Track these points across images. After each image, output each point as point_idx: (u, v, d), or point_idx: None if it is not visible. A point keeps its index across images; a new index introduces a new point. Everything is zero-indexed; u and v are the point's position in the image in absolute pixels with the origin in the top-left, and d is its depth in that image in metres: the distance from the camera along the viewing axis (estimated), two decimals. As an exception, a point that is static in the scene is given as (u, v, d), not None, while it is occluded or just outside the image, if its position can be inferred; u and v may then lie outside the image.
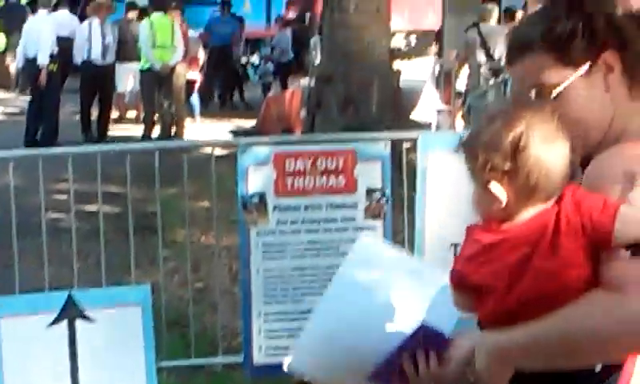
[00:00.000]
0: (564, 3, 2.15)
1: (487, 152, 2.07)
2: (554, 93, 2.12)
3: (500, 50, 13.06)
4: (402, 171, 5.53)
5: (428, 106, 14.40)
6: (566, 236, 2.02)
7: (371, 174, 5.04)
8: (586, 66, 2.12)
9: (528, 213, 2.09)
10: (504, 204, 2.08)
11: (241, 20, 21.47)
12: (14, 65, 21.62)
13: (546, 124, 2.07)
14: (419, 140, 5.08)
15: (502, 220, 2.11)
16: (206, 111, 18.50)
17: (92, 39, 14.68)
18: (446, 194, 5.02)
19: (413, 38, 36.53)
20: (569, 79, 2.12)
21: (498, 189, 2.08)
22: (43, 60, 13.72)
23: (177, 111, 14.56)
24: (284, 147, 5.17)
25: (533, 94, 2.16)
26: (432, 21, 33.81)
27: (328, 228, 5.07)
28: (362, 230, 4.98)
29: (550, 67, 2.14)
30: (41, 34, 13.83)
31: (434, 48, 33.72)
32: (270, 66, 20.96)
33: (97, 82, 14.85)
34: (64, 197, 9.09)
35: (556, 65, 2.14)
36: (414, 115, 14.72)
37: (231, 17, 21.04)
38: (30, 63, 14.01)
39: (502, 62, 12.88)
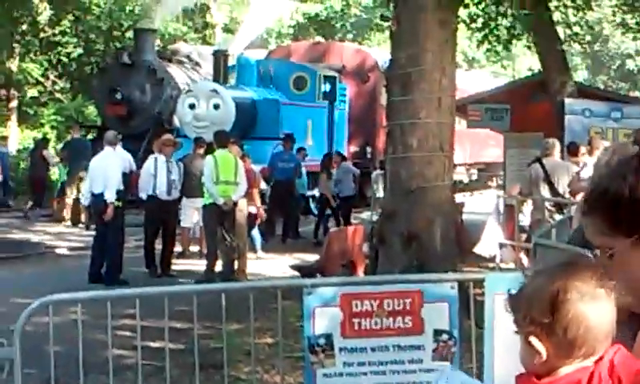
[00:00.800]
0: (634, 164, 2.11)
1: (528, 305, 2.12)
2: (609, 253, 2.11)
3: (564, 185, 13.04)
4: (469, 310, 5.46)
5: (491, 240, 14.32)
6: None
7: (438, 315, 4.99)
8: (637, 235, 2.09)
9: (568, 369, 2.09)
10: (544, 358, 2.09)
11: (302, 154, 21.71)
12: (70, 199, 22.15)
13: (589, 281, 2.08)
14: (486, 281, 5.03)
15: (543, 374, 2.12)
16: (268, 245, 18.61)
17: (158, 175, 14.93)
18: (514, 335, 4.93)
19: (474, 171, 36.76)
20: (622, 243, 2.10)
21: (537, 343, 2.10)
22: (110, 196, 13.95)
23: (239, 246, 14.64)
24: (350, 288, 5.14)
25: (596, 250, 2.15)
26: (493, 154, 34.03)
27: (395, 370, 5.01)
28: (429, 372, 4.90)
29: (606, 227, 2.12)
30: (107, 170, 14.09)
31: (495, 181, 33.86)
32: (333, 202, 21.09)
33: (161, 217, 15.05)
34: (127, 333, 9.16)
35: (612, 227, 2.11)
36: (478, 249, 14.66)
37: (293, 151, 21.32)
38: (96, 199, 14.24)
39: (567, 197, 12.86)
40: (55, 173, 26.35)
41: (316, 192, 25.27)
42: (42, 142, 27.22)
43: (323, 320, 4.97)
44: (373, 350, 4.99)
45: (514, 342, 4.91)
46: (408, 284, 5.21)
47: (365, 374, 5.00)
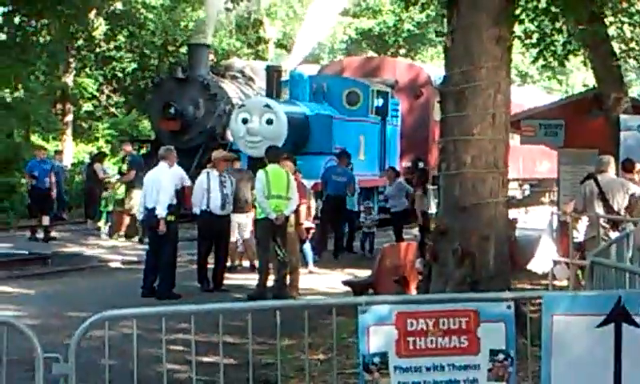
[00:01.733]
0: None
1: None
2: None
3: (618, 202, 12.88)
4: (526, 330, 5.40)
5: (545, 257, 14.17)
6: None
7: (495, 335, 4.94)
8: None
9: None
10: None
11: (352, 169, 21.69)
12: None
13: None
14: (543, 300, 4.97)
15: None
16: (320, 260, 18.61)
17: (211, 190, 15.00)
18: (572, 355, 4.89)
19: (526, 187, 36.51)
20: None
21: None
22: (162, 211, 14.04)
23: (291, 261, 14.65)
24: (406, 306, 5.11)
25: None
26: (545, 169, 33.79)
27: (450, 390, 4.97)
28: (485, 393, 4.86)
29: None
30: (160, 185, 14.19)
31: (547, 197, 33.61)
32: (373, 215, 21.03)
33: (214, 232, 15.11)
34: (179, 347, 9.20)
35: None
36: (531, 266, 14.52)
37: (347, 170, 21.31)
38: (149, 213, 14.35)
39: (622, 214, 12.70)
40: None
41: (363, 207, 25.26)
42: (97, 157, 27.49)
43: (378, 338, 4.94)
44: (428, 369, 4.95)
45: (571, 362, 4.86)
46: (464, 303, 5.16)
47: (420, 393, 4.97)
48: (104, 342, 5.53)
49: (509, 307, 5.00)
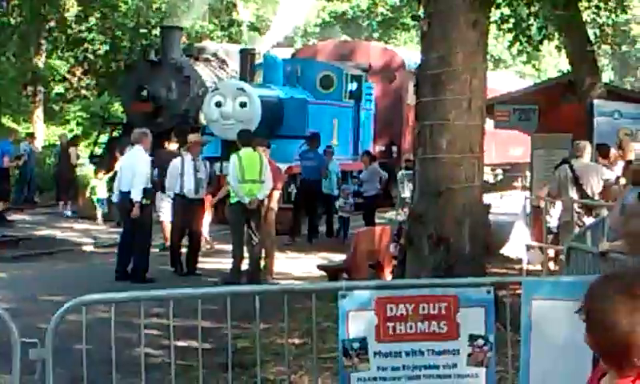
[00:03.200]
0: None
1: None
2: None
3: (593, 187, 12.94)
4: (505, 316, 5.41)
5: (519, 242, 14.24)
6: None
7: (474, 320, 4.94)
8: None
9: None
10: None
11: (329, 153, 21.66)
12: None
13: None
14: (523, 286, 4.98)
15: None
16: (294, 244, 18.61)
17: (185, 174, 14.94)
18: (551, 341, 4.89)
19: (499, 172, 36.63)
20: None
21: None
22: (137, 195, 13.96)
23: (265, 245, 14.62)
24: (385, 292, 5.10)
25: None
26: (517, 154, 33.89)
27: (430, 374, 4.97)
28: (464, 378, 4.86)
29: None
30: (134, 168, 14.10)
31: (520, 182, 33.72)
32: (350, 200, 21.02)
33: (188, 216, 15.05)
34: (154, 332, 9.16)
35: None
36: (504, 250, 14.58)
37: (319, 151, 21.30)
38: (124, 197, 14.26)
39: (596, 199, 12.76)
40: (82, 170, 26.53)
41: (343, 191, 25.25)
42: (72, 141, 27.28)
43: (357, 324, 4.93)
44: (407, 354, 4.94)
45: (550, 347, 4.87)
46: (443, 288, 5.16)
47: (399, 378, 4.96)
48: (78, 326, 5.49)
49: (488, 292, 5.00)
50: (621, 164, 13.70)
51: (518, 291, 5.80)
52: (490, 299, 4.98)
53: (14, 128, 29.27)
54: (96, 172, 22.96)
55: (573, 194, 12.99)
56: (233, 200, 14.34)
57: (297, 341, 9.59)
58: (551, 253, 13.73)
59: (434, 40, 10.05)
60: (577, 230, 11.60)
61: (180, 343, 8.60)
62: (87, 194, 22.85)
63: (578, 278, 5.56)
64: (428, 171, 10.06)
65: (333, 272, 13.78)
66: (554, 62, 52.71)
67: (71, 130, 35.68)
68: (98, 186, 22.58)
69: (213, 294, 6.08)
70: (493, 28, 16.97)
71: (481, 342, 4.96)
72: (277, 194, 15.26)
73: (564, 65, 17.77)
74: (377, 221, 20.17)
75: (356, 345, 4.93)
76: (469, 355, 4.96)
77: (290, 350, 8.93)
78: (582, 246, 7.77)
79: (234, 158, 14.38)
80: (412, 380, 4.97)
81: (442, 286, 5.27)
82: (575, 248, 7.44)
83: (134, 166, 14.14)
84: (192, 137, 15.98)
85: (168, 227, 16.39)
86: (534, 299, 4.92)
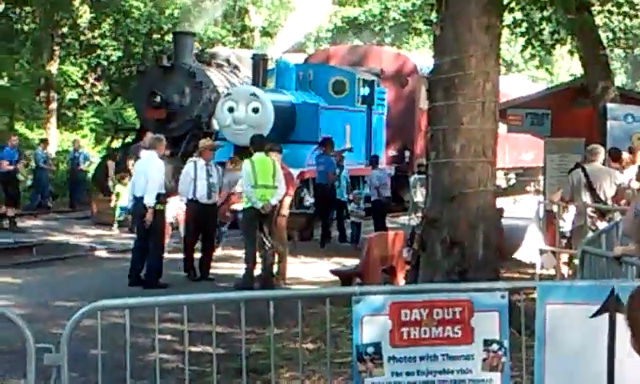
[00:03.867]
0: None
1: None
2: None
3: (606, 191, 12.90)
4: (520, 320, 5.39)
5: (532, 246, 14.19)
6: None
7: (489, 325, 4.93)
8: None
9: None
10: None
11: (339, 157, 21.65)
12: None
13: None
14: (538, 290, 4.97)
15: None
16: (307, 249, 18.60)
17: (197, 179, 14.94)
18: (565, 345, 4.88)
19: (512, 176, 36.57)
20: None
21: None
22: (150, 200, 13.98)
23: (279, 250, 14.63)
24: (399, 296, 5.09)
25: None
26: (530, 158, 33.84)
27: (444, 379, 4.96)
28: (479, 383, 4.85)
29: None
30: (148, 174, 14.12)
31: (532, 186, 33.65)
32: (362, 205, 21.00)
33: (201, 221, 15.05)
34: (167, 337, 9.18)
35: None
36: (518, 255, 14.53)
37: (328, 157, 21.31)
38: (137, 202, 14.28)
39: (609, 203, 12.72)
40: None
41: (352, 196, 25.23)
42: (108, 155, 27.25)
43: (372, 328, 4.92)
44: (422, 359, 4.93)
45: (564, 352, 4.85)
46: (458, 293, 5.14)
47: (413, 383, 4.95)
48: (91, 331, 5.50)
49: (503, 297, 4.99)
50: (633, 168, 13.66)
51: (531, 296, 5.79)
52: (505, 304, 4.97)
53: (14, 133, 29.16)
54: (122, 178, 22.67)
55: (586, 198, 12.95)
56: (246, 205, 14.36)
57: (310, 346, 9.58)
58: (564, 257, 13.68)
59: (447, 44, 10.04)
60: (590, 234, 11.56)
61: (193, 349, 8.62)
62: (113, 201, 22.57)
63: (592, 283, 5.55)
64: (441, 175, 10.05)
65: (346, 277, 13.76)
66: (567, 66, 52.60)
67: (84, 136, 35.75)
68: (123, 193, 22.36)
69: (228, 300, 6.08)
70: (505, 32, 16.98)
71: (495, 346, 4.94)
72: (288, 200, 15.24)
73: (576, 69, 17.78)
74: (390, 225, 20.16)
75: (370, 350, 4.92)
76: (483, 360, 4.95)
77: (303, 355, 8.94)
78: (596, 250, 7.74)
79: (247, 163, 14.41)
80: (426, 385, 4.96)
81: (456, 291, 5.26)
82: (589, 252, 7.41)
83: (147, 171, 14.15)
84: (203, 142, 15.98)
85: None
86: (548, 303, 4.90)
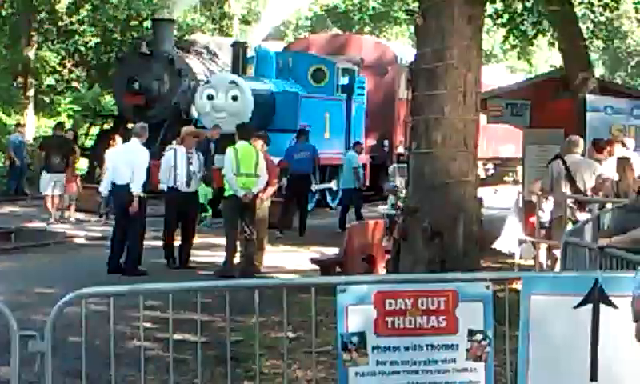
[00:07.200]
0: None
1: None
2: None
3: (586, 182, 12.96)
4: (504, 311, 5.41)
5: (511, 237, 14.26)
6: None
7: (473, 315, 4.95)
8: None
9: None
10: None
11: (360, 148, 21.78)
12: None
13: None
14: (522, 281, 4.99)
15: None
16: (286, 238, 18.59)
17: (178, 166, 14.87)
18: (549, 336, 4.91)
19: (490, 166, 36.67)
20: None
21: None
22: (138, 189, 13.94)
23: (259, 239, 14.61)
24: (384, 286, 5.10)
25: None
26: (510, 149, 33.94)
27: (428, 369, 4.98)
28: (463, 372, 4.87)
29: None
30: (135, 162, 14.05)
31: (511, 176, 33.78)
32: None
33: (181, 209, 14.99)
34: (147, 325, 9.15)
35: None
36: (497, 245, 14.58)
37: (308, 144, 21.30)
38: (119, 190, 14.23)
39: (589, 194, 12.79)
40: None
41: (333, 185, 25.26)
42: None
43: (356, 318, 4.93)
44: (406, 349, 4.95)
45: (548, 342, 4.88)
46: (443, 283, 5.16)
47: (398, 373, 4.96)
48: (73, 319, 5.48)
49: (487, 287, 5.01)
50: (612, 160, 13.71)
51: (513, 286, 5.82)
52: (489, 294, 4.99)
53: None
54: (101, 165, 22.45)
55: (566, 189, 13.00)
56: (227, 193, 14.33)
57: (290, 334, 9.58)
58: (543, 247, 13.75)
59: (429, 34, 10.05)
60: (570, 225, 11.62)
61: (174, 336, 8.60)
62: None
63: (577, 274, 5.58)
64: (422, 165, 10.07)
65: (326, 266, 13.77)
66: (545, 56, 52.74)
67: (61, 123, 35.52)
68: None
69: (214, 288, 6.08)
70: (486, 22, 17.02)
71: (479, 336, 4.96)
72: (271, 190, 15.23)
73: (555, 60, 17.82)
74: (369, 214, 20.19)
75: (355, 339, 4.93)
76: (467, 350, 4.97)
77: (281, 342, 8.94)
78: (579, 241, 7.78)
79: (230, 151, 14.38)
80: (410, 374, 4.97)
81: (441, 280, 5.28)
82: (572, 243, 7.45)
83: (134, 160, 14.10)
84: (186, 129, 15.92)
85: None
86: (533, 294, 4.93)
